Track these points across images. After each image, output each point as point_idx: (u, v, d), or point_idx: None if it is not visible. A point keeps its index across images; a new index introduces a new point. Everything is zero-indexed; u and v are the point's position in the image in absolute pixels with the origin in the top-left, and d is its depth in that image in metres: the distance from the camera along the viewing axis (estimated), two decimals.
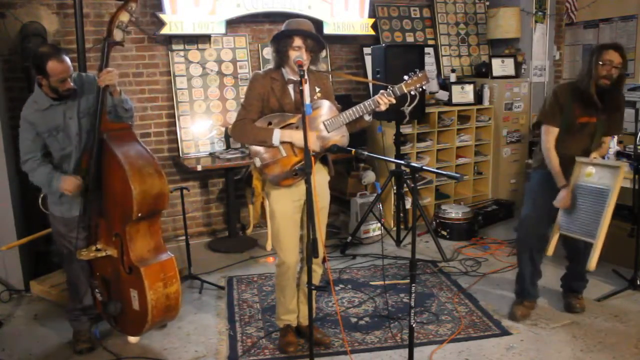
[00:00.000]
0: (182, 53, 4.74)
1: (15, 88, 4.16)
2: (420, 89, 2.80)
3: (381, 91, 2.76)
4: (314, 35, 2.71)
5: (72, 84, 2.75)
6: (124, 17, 2.76)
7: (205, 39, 4.79)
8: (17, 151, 4.03)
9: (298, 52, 2.66)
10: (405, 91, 2.76)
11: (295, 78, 2.75)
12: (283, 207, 2.84)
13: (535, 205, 3.26)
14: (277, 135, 2.72)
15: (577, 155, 3.17)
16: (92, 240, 2.96)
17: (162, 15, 4.41)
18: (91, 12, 4.41)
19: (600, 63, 3.04)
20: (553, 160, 3.17)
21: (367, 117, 2.84)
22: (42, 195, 3.80)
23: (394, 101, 2.76)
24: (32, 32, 3.95)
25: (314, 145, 2.69)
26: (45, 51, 2.72)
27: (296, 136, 2.70)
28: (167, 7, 4.41)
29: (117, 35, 2.78)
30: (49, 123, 2.81)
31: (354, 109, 2.75)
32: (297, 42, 2.66)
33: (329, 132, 2.76)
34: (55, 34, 4.27)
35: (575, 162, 3.16)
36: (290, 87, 2.79)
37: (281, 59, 2.74)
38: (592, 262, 2.97)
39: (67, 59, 2.73)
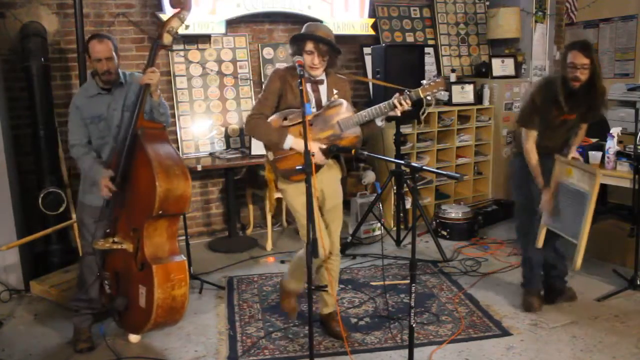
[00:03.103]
0: (182, 53, 4.74)
1: (15, 88, 4.16)
2: (436, 94, 2.75)
3: (397, 94, 2.73)
4: (327, 40, 2.74)
5: (107, 68, 2.89)
6: (176, 23, 2.92)
7: (205, 38, 4.79)
8: (18, 150, 4.09)
9: (311, 56, 2.71)
10: (422, 96, 2.73)
11: (313, 79, 2.82)
12: (302, 199, 2.84)
13: (521, 193, 3.38)
14: (289, 142, 2.77)
15: (558, 146, 3.25)
16: (111, 232, 3.00)
17: (162, 15, 4.40)
18: (91, 12, 4.41)
19: (568, 65, 3.02)
20: (533, 161, 3.21)
21: (380, 123, 2.84)
22: (42, 195, 3.83)
23: (409, 105, 2.73)
24: (32, 32, 3.95)
25: (315, 148, 2.72)
26: (93, 34, 3.00)
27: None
28: (167, 7, 4.40)
29: (167, 39, 2.92)
30: (93, 110, 2.96)
31: (368, 110, 2.76)
32: (309, 46, 2.71)
33: (342, 131, 2.79)
34: (55, 34, 4.27)
35: (555, 160, 3.23)
36: (308, 86, 2.82)
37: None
38: (577, 262, 3.07)
39: (109, 43, 2.91)
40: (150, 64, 2.88)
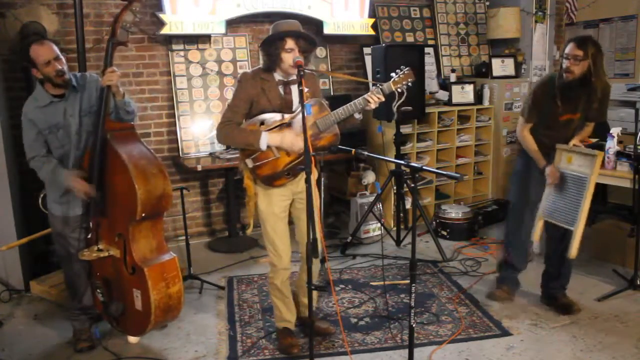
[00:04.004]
0: (182, 53, 4.74)
1: (15, 88, 4.15)
2: (407, 86, 2.79)
3: (371, 89, 2.77)
4: (306, 35, 2.71)
5: (59, 67, 2.73)
6: (128, 17, 2.77)
7: (205, 39, 4.79)
8: (18, 150, 4.08)
9: (291, 54, 2.64)
10: (393, 89, 2.76)
11: (286, 79, 2.77)
12: (272, 207, 2.86)
13: (520, 192, 3.37)
14: (265, 140, 2.70)
15: (560, 143, 3.23)
16: (93, 240, 2.95)
17: (162, 15, 4.41)
18: (91, 12, 4.41)
19: (563, 56, 3.06)
20: (530, 144, 3.24)
21: (357, 116, 2.84)
22: (42, 195, 3.82)
23: (383, 99, 2.76)
24: (32, 32, 3.95)
25: (299, 146, 2.66)
26: (30, 41, 2.79)
27: (285, 139, 2.71)
28: (167, 7, 4.41)
29: (121, 35, 2.77)
30: (49, 120, 2.81)
31: (344, 107, 2.76)
32: (290, 43, 2.65)
33: (321, 130, 2.77)
34: (55, 34, 4.26)
35: (556, 149, 3.22)
36: (280, 88, 2.78)
37: (273, 62, 2.71)
38: (573, 249, 3.05)
39: (52, 44, 2.76)
40: (108, 64, 2.75)
